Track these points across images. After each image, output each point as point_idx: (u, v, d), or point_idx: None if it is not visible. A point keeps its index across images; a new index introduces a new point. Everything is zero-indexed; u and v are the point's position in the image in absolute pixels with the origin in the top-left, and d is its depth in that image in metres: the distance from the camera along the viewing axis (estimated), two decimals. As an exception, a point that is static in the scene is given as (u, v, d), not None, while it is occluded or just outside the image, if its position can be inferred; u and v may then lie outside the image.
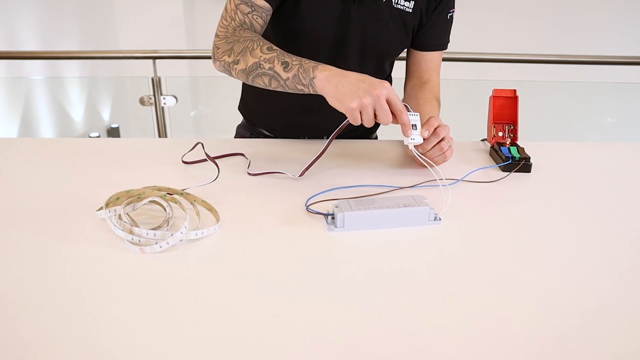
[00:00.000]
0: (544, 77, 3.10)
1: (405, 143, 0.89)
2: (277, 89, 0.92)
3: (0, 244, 0.72)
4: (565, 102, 3.04)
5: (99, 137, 3.95)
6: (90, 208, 0.80)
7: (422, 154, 0.92)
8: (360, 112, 0.82)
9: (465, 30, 4.40)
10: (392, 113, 0.84)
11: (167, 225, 0.74)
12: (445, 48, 1.23)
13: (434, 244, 0.74)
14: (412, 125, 0.87)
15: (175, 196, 0.78)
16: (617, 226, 0.81)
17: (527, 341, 0.54)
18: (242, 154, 1.06)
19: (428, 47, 1.19)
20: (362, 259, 0.70)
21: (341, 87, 0.83)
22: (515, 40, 4.40)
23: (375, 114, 0.83)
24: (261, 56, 0.91)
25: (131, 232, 0.70)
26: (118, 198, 0.77)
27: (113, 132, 4.12)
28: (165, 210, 0.77)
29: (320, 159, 0.94)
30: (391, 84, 1.28)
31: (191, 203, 0.79)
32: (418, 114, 0.91)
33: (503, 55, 2.86)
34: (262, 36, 1.07)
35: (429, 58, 1.21)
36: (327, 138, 0.95)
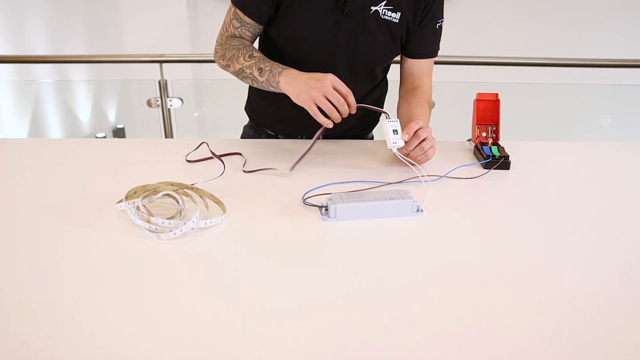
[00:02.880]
0: (538, 79, 3.19)
1: (389, 147, 1.00)
2: (259, 88, 1.12)
3: (36, 231, 0.81)
4: (558, 103, 3.13)
5: (105, 137, 4.05)
6: (109, 201, 0.90)
7: (406, 155, 1.02)
8: (317, 104, 0.99)
9: (464, 33, 4.49)
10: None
11: (180, 215, 0.84)
12: (435, 55, 1.32)
13: (415, 233, 0.84)
14: (394, 130, 0.99)
15: (186, 190, 0.88)
16: (586, 219, 0.90)
17: (498, 320, 0.64)
18: (239, 153, 1.15)
19: (419, 55, 1.28)
20: (352, 245, 0.79)
21: (296, 86, 1.02)
22: (513, 43, 4.48)
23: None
24: (244, 63, 1.12)
25: (148, 222, 0.79)
26: (135, 192, 0.87)
27: (119, 133, 4.21)
28: (178, 202, 0.87)
29: (316, 157, 1.04)
30: (387, 87, 1.39)
31: (200, 196, 0.89)
32: (397, 120, 1.02)
33: (502, 58, 2.94)
34: (264, 41, 1.26)
35: (420, 65, 1.30)
36: (321, 138, 1.05)
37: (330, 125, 1.01)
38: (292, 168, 1.05)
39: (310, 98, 1.00)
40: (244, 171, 1.06)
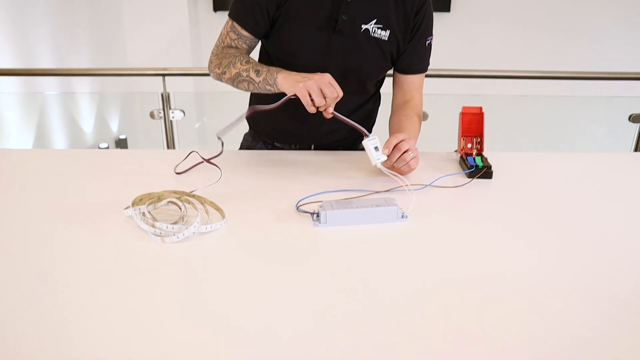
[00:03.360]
0: (530, 91, 3.27)
1: (373, 163, 1.08)
2: (253, 91, 1.20)
3: (48, 236, 0.88)
4: (549, 115, 3.21)
5: (107, 147, 4.13)
6: (116, 208, 0.97)
7: (391, 167, 1.10)
8: (309, 93, 1.06)
9: (461, 45, 4.59)
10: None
11: (183, 220, 0.91)
12: (425, 71, 1.39)
13: (400, 237, 0.90)
14: (375, 147, 1.07)
15: (188, 197, 0.95)
16: (565, 225, 0.97)
17: (479, 321, 0.70)
18: (214, 164, 1.21)
19: (409, 71, 1.36)
20: (342, 249, 0.86)
21: (292, 80, 1.10)
22: (507, 55, 4.58)
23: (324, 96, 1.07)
24: (241, 67, 1.19)
25: (153, 226, 0.86)
26: (141, 199, 0.94)
27: (121, 143, 4.30)
28: (180, 209, 0.94)
29: (309, 167, 1.11)
30: (379, 101, 1.46)
31: (201, 203, 0.96)
32: (376, 137, 1.09)
33: (495, 72, 3.02)
34: (260, 54, 1.35)
35: (411, 80, 1.37)
36: (314, 149, 1.13)
37: (313, 111, 1.09)
38: (220, 136, 1.20)
39: (305, 87, 1.06)
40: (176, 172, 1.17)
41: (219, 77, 1.26)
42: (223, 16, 4.41)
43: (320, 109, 1.09)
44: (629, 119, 2.54)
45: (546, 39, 4.55)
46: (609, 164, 1.33)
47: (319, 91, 1.06)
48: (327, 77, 1.08)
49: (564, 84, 3.17)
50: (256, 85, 1.18)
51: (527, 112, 3.19)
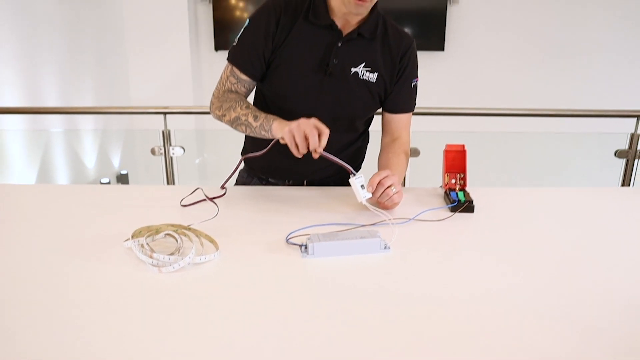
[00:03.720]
0: (523, 128, 3.37)
1: (359, 200, 1.14)
2: (250, 134, 1.28)
3: (51, 265, 0.94)
4: (539, 150, 3.30)
5: (109, 182, 4.21)
6: (116, 240, 1.03)
7: (376, 201, 1.18)
8: (294, 136, 1.13)
9: (457, 83, 4.72)
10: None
11: (179, 252, 0.97)
12: (412, 110, 1.47)
13: (383, 267, 0.96)
14: (361, 185, 1.14)
15: (184, 230, 1.02)
16: (541, 257, 1.02)
17: (457, 343, 0.76)
18: (213, 201, 1.29)
19: (396, 110, 1.44)
20: (328, 278, 0.92)
21: (283, 125, 1.19)
22: (502, 92, 4.71)
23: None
24: (240, 112, 1.28)
25: (151, 257, 0.92)
26: (140, 232, 1.00)
27: (122, 178, 4.38)
28: (177, 241, 1.00)
29: (299, 202, 1.18)
30: (368, 139, 1.54)
31: (197, 236, 1.02)
32: (362, 175, 1.16)
33: (487, 109, 3.11)
34: (256, 95, 1.44)
35: (398, 119, 1.46)
36: (306, 184, 1.19)
37: (299, 155, 1.16)
38: (222, 186, 1.28)
39: (289, 130, 1.14)
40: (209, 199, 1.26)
41: (220, 119, 1.34)
42: (224, 55, 4.55)
43: (301, 151, 1.16)
44: (615, 155, 2.62)
45: (537, 76, 4.69)
46: (589, 197, 1.40)
47: (302, 136, 1.13)
48: (313, 120, 1.14)
49: (553, 119, 3.27)
50: (253, 129, 1.26)
51: (518, 147, 3.28)
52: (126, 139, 4.36)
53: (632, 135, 2.59)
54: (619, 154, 2.62)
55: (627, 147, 2.60)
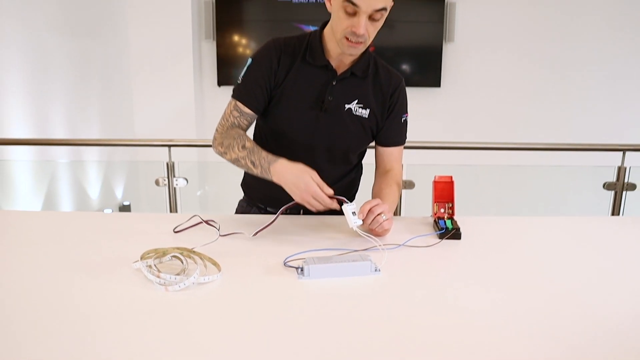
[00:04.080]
0: (513, 161, 3.47)
1: (350, 226, 1.23)
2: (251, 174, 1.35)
3: (63, 284, 1.02)
4: (528, 183, 3.40)
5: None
6: (125, 262, 1.11)
7: (368, 229, 1.26)
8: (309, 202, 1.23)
9: (452, 118, 4.85)
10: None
11: (184, 272, 1.04)
12: (403, 144, 1.57)
13: (373, 288, 1.04)
14: (353, 212, 1.22)
15: (189, 253, 1.09)
16: (524, 282, 1.09)
17: None
18: (213, 226, 1.37)
19: (388, 144, 1.54)
20: (322, 298, 0.99)
21: (286, 184, 1.26)
22: (496, 126, 4.84)
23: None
24: (238, 153, 1.35)
25: (158, 277, 1.00)
26: (149, 254, 1.08)
27: (125, 209, 4.46)
28: (182, 262, 1.07)
29: (297, 230, 1.26)
30: (361, 171, 1.63)
31: (200, 258, 1.10)
32: (354, 203, 1.25)
33: (479, 144, 3.22)
34: (255, 129, 1.52)
35: (390, 152, 1.55)
36: (304, 213, 1.28)
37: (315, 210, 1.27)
38: (256, 234, 1.30)
39: (302, 200, 1.24)
40: (220, 235, 1.30)
41: (221, 155, 1.41)
42: (226, 90, 4.70)
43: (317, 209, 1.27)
44: (604, 187, 2.71)
45: (528, 112, 4.84)
46: (574, 225, 1.48)
47: (313, 200, 1.23)
48: (313, 184, 1.23)
49: (543, 153, 3.38)
50: (254, 173, 1.33)
51: (509, 180, 3.37)
52: (129, 170, 4.46)
53: (619, 168, 2.68)
54: (607, 186, 2.71)
55: (614, 180, 2.70)
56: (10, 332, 0.84)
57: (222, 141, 1.40)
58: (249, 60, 1.43)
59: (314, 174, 1.24)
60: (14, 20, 3.38)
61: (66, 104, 3.82)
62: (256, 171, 1.32)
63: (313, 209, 1.25)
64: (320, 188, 1.23)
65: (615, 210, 2.71)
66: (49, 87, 3.67)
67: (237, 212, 1.66)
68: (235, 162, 1.37)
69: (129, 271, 1.07)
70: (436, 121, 4.84)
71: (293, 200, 1.26)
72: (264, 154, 1.32)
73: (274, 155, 1.31)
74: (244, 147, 1.34)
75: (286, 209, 1.30)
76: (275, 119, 1.44)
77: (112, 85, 4.43)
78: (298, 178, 1.24)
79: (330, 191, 1.24)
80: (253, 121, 1.49)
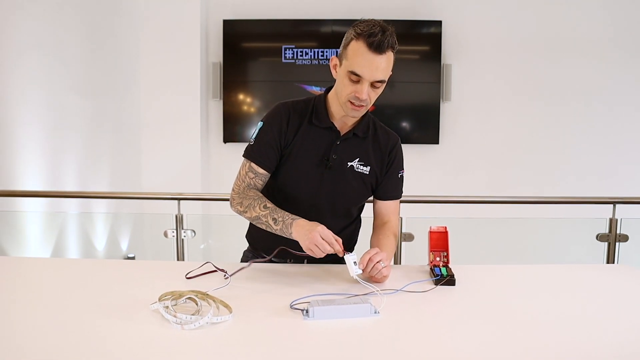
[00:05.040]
0: (513, 214, 3.58)
1: (351, 275, 1.33)
2: (269, 231, 1.46)
3: (89, 326, 1.10)
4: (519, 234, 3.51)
5: (116, 265, 4.34)
6: (143, 304, 1.19)
7: (368, 276, 1.36)
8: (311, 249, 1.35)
9: (451, 173, 4.99)
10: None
11: (198, 313, 1.13)
12: (399, 197, 1.68)
13: (372, 329, 1.12)
14: (354, 262, 1.33)
15: (203, 295, 1.19)
16: (512, 326, 1.17)
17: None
18: (224, 271, 1.46)
19: (386, 197, 1.65)
20: (326, 337, 1.08)
21: (300, 238, 1.38)
22: (492, 181, 4.97)
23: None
24: (260, 212, 1.46)
25: (175, 316, 1.09)
26: (166, 296, 1.17)
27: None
28: (197, 304, 1.16)
29: (303, 277, 1.38)
30: (360, 224, 1.74)
31: (214, 300, 1.19)
32: (355, 253, 1.36)
33: (475, 197, 3.33)
34: (268, 184, 1.61)
35: (387, 205, 1.66)
36: (307, 262, 1.38)
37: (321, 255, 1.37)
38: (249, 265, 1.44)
39: (308, 248, 1.36)
40: (229, 275, 1.41)
41: (240, 214, 1.53)
42: (232, 147, 4.89)
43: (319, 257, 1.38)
44: (597, 238, 2.80)
45: (523, 167, 4.99)
46: (564, 272, 1.58)
47: (317, 249, 1.35)
48: (318, 235, 1.35)
49: (538, 206, 3.49)
50: (273, 230, 1.45)
51: (505, 232, 3.47)
52: (135, 223, 4.56)
53: (611, 220, 2.78)
54: (600, 237, 2.80)
55: (607, 231, 2.79)
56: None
57: (242, 201, 1.51)
58: (260, 123, 1.56)
59: (323, 228, 1.36)
60: (38, 81, 3.59)
61: (79, 159, 3.98)
62: (276, 227, 1.44)
63: (314, 256, 1.36)
64: (327, 238, 1.35)
65: (610, 261, 2.79)
66: (64, 142, 3.85)
67: (242, 261, 1.76)
68: (255, 219, 1.48)
69: (147, 312, 1.16)
70: (436, 177, 4.98)
71: (296, 250, 1.38)
72: (285, 213, 1.44)
73: (293, 215, 1.44)
74: (265, 207, 1.47)
75: (273, 256, 1.45)
76: (283, 176, 1.56)
77: (122, 141, 4.61)
78: (309, 231, 1.36)
79: (340, 240, 1.36)
80: (266, 180, 1.59)
